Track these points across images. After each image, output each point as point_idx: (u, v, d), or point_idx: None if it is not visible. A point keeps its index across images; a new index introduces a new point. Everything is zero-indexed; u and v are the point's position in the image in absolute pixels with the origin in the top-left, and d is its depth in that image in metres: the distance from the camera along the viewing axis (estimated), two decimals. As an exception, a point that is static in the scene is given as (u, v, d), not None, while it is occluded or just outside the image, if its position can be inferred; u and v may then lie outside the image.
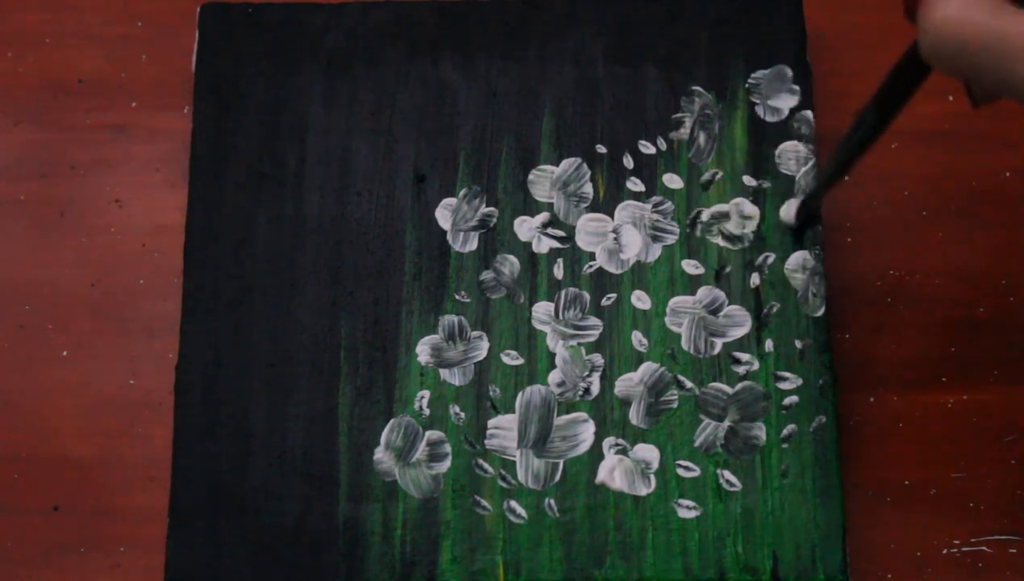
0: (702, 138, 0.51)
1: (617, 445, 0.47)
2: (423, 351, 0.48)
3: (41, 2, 0.55)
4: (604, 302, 0.49)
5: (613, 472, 0.47)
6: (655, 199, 0.50)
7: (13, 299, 0.51)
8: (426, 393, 0.48)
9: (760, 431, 0.47)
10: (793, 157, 0.50)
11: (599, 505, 0.47)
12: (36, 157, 0.53)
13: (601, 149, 0.51)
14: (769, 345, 0.48)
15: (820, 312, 0.49)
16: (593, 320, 0.49)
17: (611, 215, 0.50)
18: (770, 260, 0.49)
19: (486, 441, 0.47)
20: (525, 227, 0.50)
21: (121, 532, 0.49)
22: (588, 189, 0.50)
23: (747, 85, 0.51)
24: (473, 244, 0.50)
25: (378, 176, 0.50)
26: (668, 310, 0.49)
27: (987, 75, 0.32)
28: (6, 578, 0.48)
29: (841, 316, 0.51)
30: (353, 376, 0.48)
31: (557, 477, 0.47)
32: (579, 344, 0.48)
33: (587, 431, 0.47)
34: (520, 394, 0.48)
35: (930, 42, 0.34)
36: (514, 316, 0.49)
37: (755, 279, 0.49)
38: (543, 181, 0.50)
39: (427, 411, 0.48)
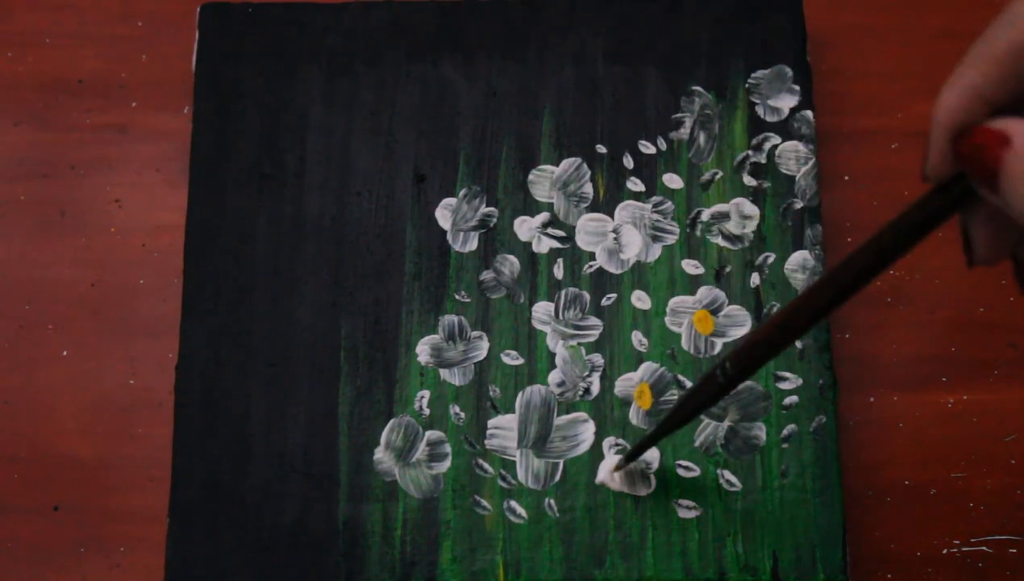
0: (702, 138, 0.51)
1: (617, 445, 0.47)
2: (423, 351, 0.48)
3: (41, 2, 0.55)
4: (604, 302, 0.49)
5: (613, 472, 0.47)
6: (655, 199, 0.50)
7: (13, 299, 0.51)
8: (426, 393, 0.48)
9: (760, 431, 0.47)
10: (793, 157, 0.50)
11: (599, 505, 0.47)
12: (36, 157, 0.53)
13: (601, 149, 0.51)
14: (769, 345, 0.48)
15: (820, 312, 0.48)
16: (593, 320, 0.49)
17: (611, 215, 0.50)
18: (770, 260, 0.49)
19: (486, 441, 0.47)
20: (525, 227, 0.50)
21: (121, 532, 0.49)
22: (588, 189, 0.50)
23: (747, 85, 0.51)
24: (473, 244, 0.50)
25: (378, 176, 0.50)
26: (668, 310, 0.49)
27: None
28: (6, 578, 0.48)
29: (841, 316, 0.51)
30: (353, 376, 0.48)
31: (557, 477, 0.47)
32: (579, 344, 0.48)
33: (587, 431, 0.47)
34: (520, 394, 0.48)
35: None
36: (514, 316, 0.49)
37: (755, 279, 0.49)
38: (543, 181, 0.50)
39: (427, 411, 0.48)
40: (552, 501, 0.47)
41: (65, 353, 0.51)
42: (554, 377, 0.48)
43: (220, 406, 0.48)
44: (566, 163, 0.51)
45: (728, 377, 0.36)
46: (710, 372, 0.37)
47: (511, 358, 0.48)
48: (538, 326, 0.49)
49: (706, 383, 0.38)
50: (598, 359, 0.48)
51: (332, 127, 0.51)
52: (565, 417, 0.48)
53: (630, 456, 0.45)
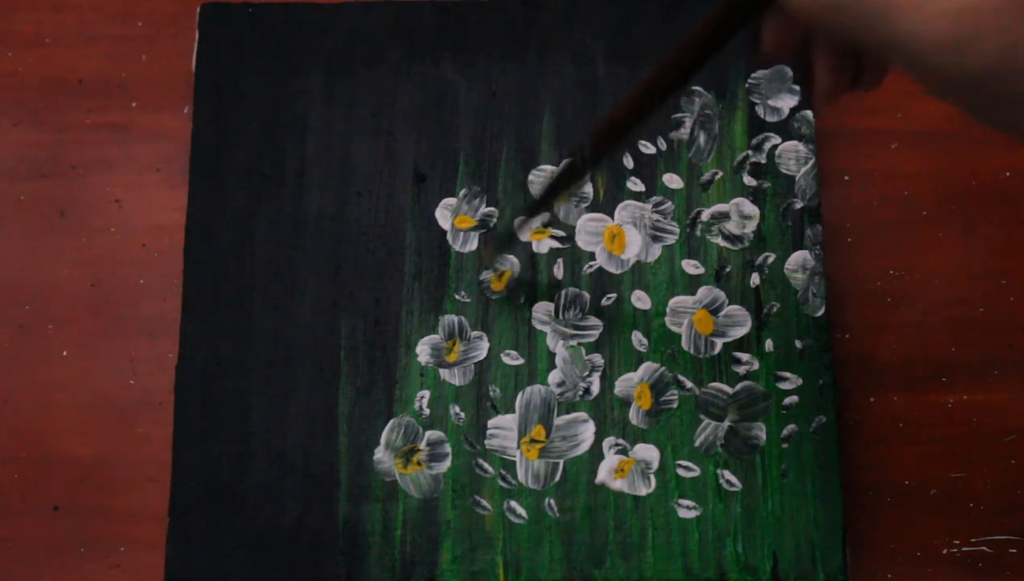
0: (702, 138, 0.51)
1: (617, 445, 0.47)
2: (423, 351, 0.48)
3: (41, 2, 0.55)
4: (604, 302, 0.49)
5: (613, 472, 0.47)
6: (655, 199, 0.50)
7: (13, 299, 0.51)
8: (426, 393, 0.48)
9: (760, 431, 0.47)
10: (793, 157, 0.50)
11: (599, 505, 0.47)
12: (36, 157, 0.53)
13: (601, 149, 0.51)
14: (769, 345, 0.48)
15: (820, 312, 0.49)
16: (593, 320, 0.49)
17: (611, 215, 0.50)
18: (770, 260, 0.49)
19: (486, 441, 0.47)
20: (525, 227, 0.50)
21: (121, 532, 0.49)
22: (588, 189, 0.50)
23: (747, 85, 0.51)
24: (473, 244, 0.50)
25: (378, 176, 0.50)
26: (668, 310, 0.49)
27: (858, 30, 0.30)
28: (6, 578, 0.48)
29: (841, 316, 0.51)
30: (353, 376, 0.48)
31: (557, 477, 0.47)
32: (579, 344, 0.48)
33: (587, 431, 0.47)
34: (520, 394, 0.48)
35: None
36: (514, 316, 0.49)
37: (755, 279, 0.49)
38: (543, 181, 0.50)
39: (427, 411, 0.48)
40: (552, 501, 0.47)
41: (65, 353, 0.51)
42: (554, 377, 0.48)
43: (220, 406, 0.48)
44: (566, 163, 0.50)
45: (584, 160, 0.40)
46: (570, 160, 0.41)
47: (511, 358, 0.48)
48: (538, 326, 0.49)
49: (569, 168, 0.42)
50: (598, 359, 0.48)
51: (332, 127, 0.51)
52: (565, 417, 0.48)
53: (497, 247, 0.48)
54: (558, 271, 0.49)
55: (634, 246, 0.50)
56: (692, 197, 0.50)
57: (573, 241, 0.50)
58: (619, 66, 0.51)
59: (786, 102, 0.51)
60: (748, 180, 0.50)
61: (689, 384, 0.48)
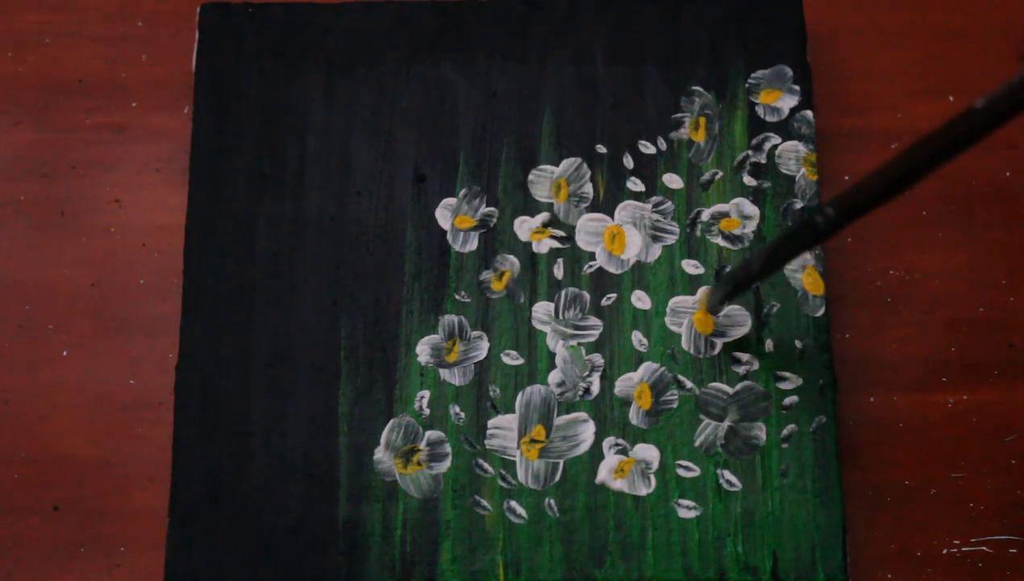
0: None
1: (617, 445, 0.47)
2: (423, 351, 0.48)
3: (41, 2, 0.55)
4: (604, 302, 0.49)
5: (613, 472, 0.47)
6: (655, 199, 0.50)
7: (13, 299, 0.51)
8: (426, 393, 0.48)
9: (760, 431, 0.47)
10: (793, 157, 0.50)
11: (599, 505, 0.47)
12: (36, 157, 0.53)
13: (601, 149, 0.51)
14: (769, 345, 0.48)
15: (820, 312, 0.49)
16: (593, 320, 0.49)
17: (611, 215, 0.50)
18: (770, 260, 0.49)
19: (486, 441, 0.47)
20: (525, 227, 0.50)
21: (121, 532, 0.49)
22: (588, 189, 0.50)
23: (747, 85, 0.51)
24: (473, 244, 0.50)
25: (378, 176, 0.50)
26: (668, 310, 0.49)
27: None
28: (6, 578, 0.48)
29: (841, 316, 0.51)
30: (353, 376, 0.48)
31: (557, 477, 0.47)
32: (579, 344, 0.48)
33: (587, 431, 0.47)
34: (520, 394, 0.48)
35: None
36: (514, 316, 0.49)
37: (755, 279, 0.49)
38: (543, 181, 0.50)
39: (427, 411, 0.48)
40: (552, 501, 0.47)
41: (65, 353, 0.51)
42: (554, 377, 0.48)
43: (220, 406, 0.48)
44: (566, 163, 0.51)
45: (831, 222, 0.35)
46: (808, 218, 0.36)
47: (511, 358, 0.48)
48: (538, 326, 0.49)
49: (804, 229, 0.37)
50: (598, 359, 0.48)
51: (332, 127, 0.51)
52: (565, 417, 0.48)
53: (720, 298, 0.46)
54: (558, 271, 0.49)
55: (634, 246, 0.50)
56: (692, 197, 0.50)
57: (573, 241, 0.50)
58: (619, 66, 0.51)
59: (786, 102, 0.51)
60: (748, 180, 0.50)
61: (689, 384, 0.48)
